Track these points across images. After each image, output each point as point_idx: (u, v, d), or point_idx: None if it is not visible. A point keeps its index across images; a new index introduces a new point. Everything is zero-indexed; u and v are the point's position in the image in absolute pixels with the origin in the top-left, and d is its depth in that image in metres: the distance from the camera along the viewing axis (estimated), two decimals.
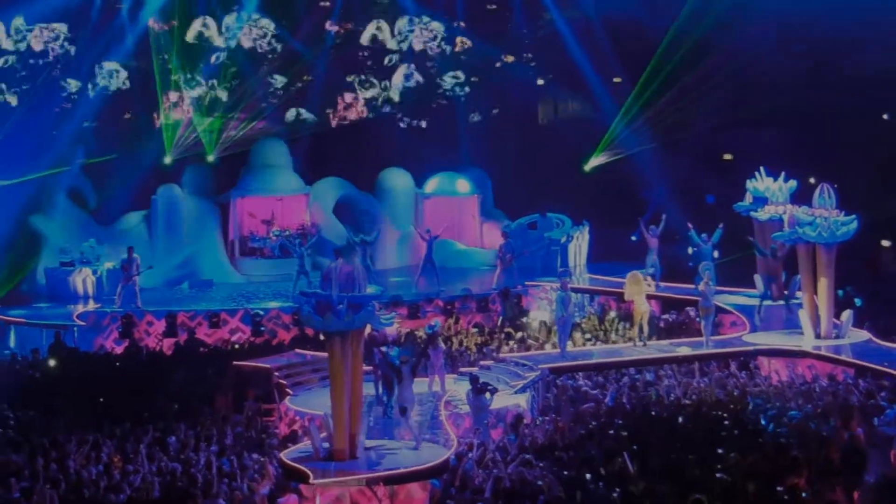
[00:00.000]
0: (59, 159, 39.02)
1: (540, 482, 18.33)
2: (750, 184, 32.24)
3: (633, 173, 41.45)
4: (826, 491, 17.62)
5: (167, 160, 42.13)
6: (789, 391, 24.02)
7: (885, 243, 40.10)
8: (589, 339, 30.43)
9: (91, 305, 34.90)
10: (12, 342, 33.30)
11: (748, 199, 32.32)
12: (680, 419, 21.69)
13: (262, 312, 33.20)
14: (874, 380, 24.52)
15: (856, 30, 37.19)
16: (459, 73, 45.49)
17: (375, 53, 45.34)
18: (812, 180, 31.09)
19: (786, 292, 30.54)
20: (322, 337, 22.95)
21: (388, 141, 43.73)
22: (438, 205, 41.78)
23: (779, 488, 17.30)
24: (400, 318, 31.11)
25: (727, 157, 44.48)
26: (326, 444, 19.55)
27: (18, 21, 41.67)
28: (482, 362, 27.74)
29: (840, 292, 30.22)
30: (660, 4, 41.83)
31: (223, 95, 43.56)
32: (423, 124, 45.96)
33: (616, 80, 44.16)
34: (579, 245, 39.32)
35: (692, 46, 39.93)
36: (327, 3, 45.08)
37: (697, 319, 29.25)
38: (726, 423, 21.10)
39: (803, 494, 17.27)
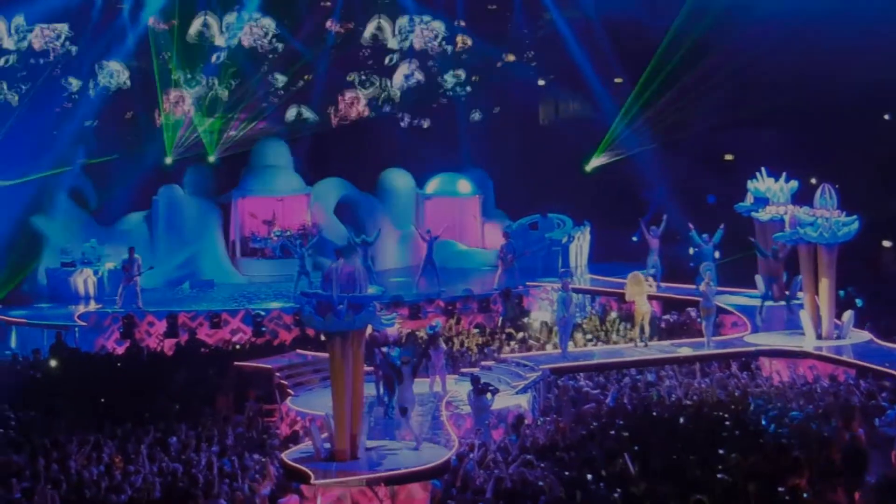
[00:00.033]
0: (60, 159, 39.02)
1: (541, 483, 18.34)
2: (751, 184, 32.24)
3: (633, 174, 41.48)
4: (827, 491, 17.61)
5: (168, 160, 42.17)
6: (790, 392, 24.01)
7: (887, 244, 40.11)
8: (590, 340, 30.43)
9: (92, 306, 34.90)
10: (13, 342, 33.31)
11: (749, 199, 32.31)
12: (681, 420, 21.70)
13: (263, 313, 33.20)
14: (875, 380, 24.51)
15: (857, 33, 37.19)
16: (460, 72, 45.50)
17: (376, 52, 45.33)
18: (813, 181, 31.08)
19: (787, 293, 30.54)
20: (323, 337, 22.96)
21: (389, 141, 43.74)
22: (439, 205, 41.78)
23: (780, 489, 17.30)
24: (401, 318, 31.07)
25: (728, 157, 44.51)
26: (327, 445, 19.55)
27: (19, 20, 41.65)
28: (483, 363, 27.73)
29: (841, 293, 30.20)
30: (660, 4, 41.84)
31: (224, 95, 43.57)
32: (425, 124, 45.94)
33: (617, 80, 44.17)
34: (580, 245, 39.32)
35: (692, 46, 39.95)
36: (328, 3, 45.08)
37: (698, 320, 29.26)
38: (727, 423, 21.10)
39: (804, 495, 17.27)
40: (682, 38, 40.22)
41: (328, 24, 44.74)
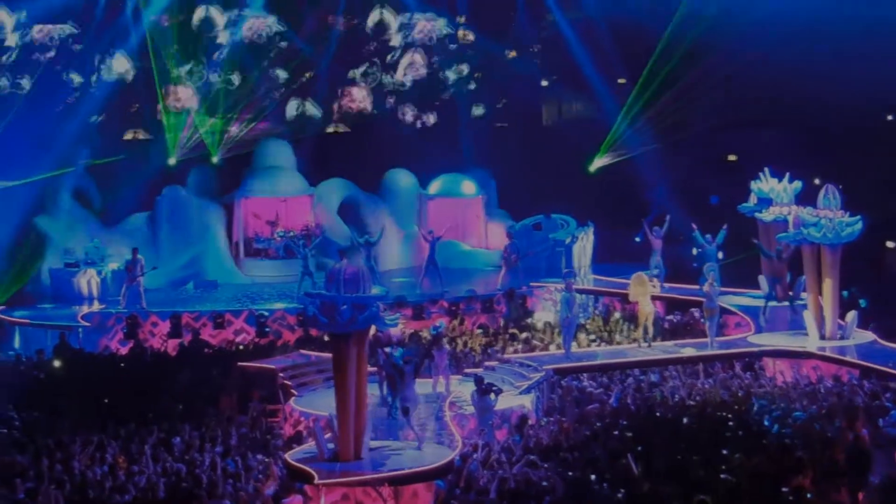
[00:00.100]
0: (64, 159, 39.01)
1: (545, 483, 18.36)
2: (754, 185, 32.20)
3: (637, 174, 41.46)
4: (831, 492, 17.64)
5: (171, 161, 42.19)
6: (794, 392, 24.01)
7: (890, 244, 40.07)
8: (593, 341, 30.43)
9: (96, 306, 34.91)
10: (17, 343, 33.34)
11: (753, 200, 32.28)
12: (685, 420, 21.72)
13: (266, 313, 33.21)
14: (879, 381, 24.54)
15: (859, 33, 37.20)
16: (464, 67, 45.53)
17: (380, 46, 45.38)
18: (817, 181, 31.06)
19: (790, 293, 30.54)
20: (326, 338, 23.01)
21: (392, 142, 43.74)
22: (443, 206, 41.74)
23: (783, 489, 17.32)
24: (404, 319, 31.12)
25: (731, 157, 44.50)
26: (331, 445, 19.55)
27: (22, 16, 41.71)
28: (487, 363, 27.72)
29: (845, 293, 30.18)
30: (661, 4, 41.82)
31: (229, 84, 43.53)
32: (430, 120, 45.92)
33: (620, 80, 44.17)
34: (584, 246, 39.29)
35: (694, 46, 39.92)
36: None
37: (702, 320, 29.23)
38: (731, 424, 21.12)
39: (808, 495, 17.28)
40: (683, 37, 40.19)
41: (330, 19, 44.72)
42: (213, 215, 39.91)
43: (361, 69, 45.38)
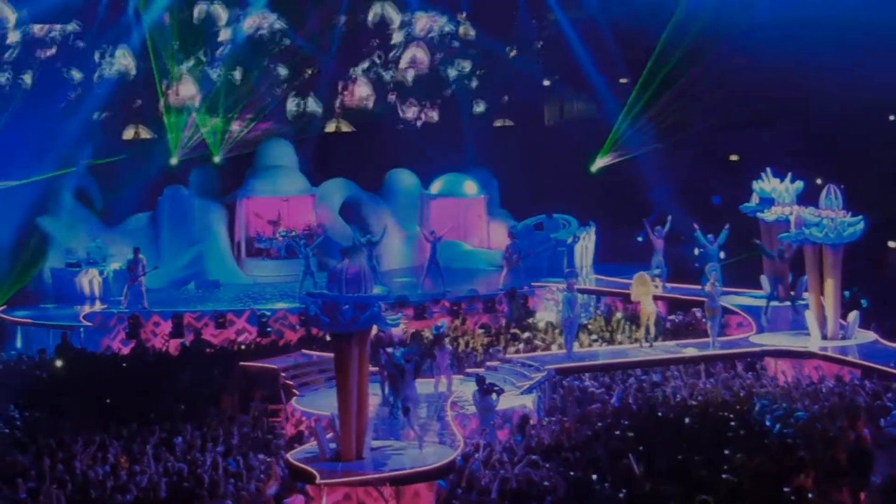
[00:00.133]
0: (66, 158, 39.00)
1: (546, 483, 18.35)
2: (756, 185, 32.21)
3: (638, 174, 41.45)
4: (832, 492, 17.63)
5: (173, 161, 42.19)
6: (796, 392, 23.99)
7: (892, 244, 40.07)
8: (595, 340, 30.43)
9: (97, 306, 34.93)
10: (19, 343, 33.36)
11: (754, 199, 32.29)
12: (686, 420, 21.71)
13: (268, 313, 33.22)
14: (881, 381, 24.53)
15: (862, 33, 37.19)
16: (466, 63, 45.55)
17: (382, 43, 45.40)
18: (819, 181, 31.07)
19: (792, 293, 30.52)
20: (328, 338, 23.01)
21: (394, 142, 43.75)
22: (444, 205, 41.74)
23: (785, 489, 17.32)
24: (406, 318, 31.11)
25: (733, 157, 44.49)
26: (333, 445, 19.56)
27: (24, 13, 41.76)
28: (488, 363, 27.72)
29: (846, 293, 30.17)
30: (662, 4, 41.82)
31: (227, 90, 43.53)
32: (433, 116, 45.91)
33: (622, 80, 44.15)
34: (586, 246, 39.31)
35: (694, 46, 39.89)
36: None
37: (704, 320, 29.21)
38: (733, 424, 21.11)
39: (810, 495, 17.28)
40: (683, 37, 40.18)
41: (333, 17, 44.73)
42: (215, 215, 39.93)
43: (364, 65, 45.38)
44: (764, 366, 27.46)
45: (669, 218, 34.09)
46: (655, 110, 41.98)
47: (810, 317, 28.32)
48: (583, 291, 33.49)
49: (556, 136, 46.15)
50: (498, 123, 47.43)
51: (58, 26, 42.13)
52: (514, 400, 24.48)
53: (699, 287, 29.60)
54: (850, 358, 26.48)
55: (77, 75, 42.11)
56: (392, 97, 45.61)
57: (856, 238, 27.90)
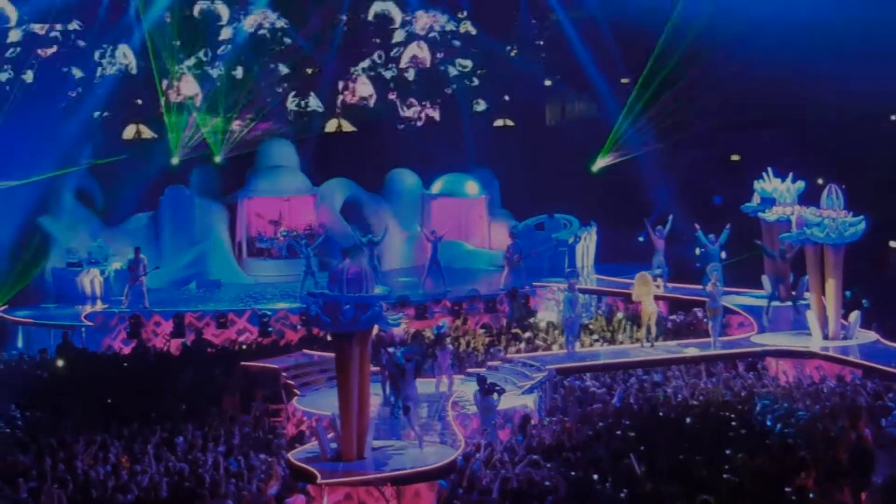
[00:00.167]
0: (67, 158, 38.99)
1: (547, 483, 18.35)
2: (757, 185, 32.21)
3: (639, 174, 41.44)
4: (834, 492, 17.62)
5: (174, 161, 42.17)
6: (797, 392, 23.98)
7: (894, 244, 40.05)
8: (596, 340, 30.42)
9: (99, 306, 34.94)
10: (20, 342, 33.36)
11: (756, 199, 32.29)
12: (687, 420, 21.70)
13: (269, 313, 33.22)
14: (882, 381, 24.53)
15: (864, 32, 37.18)
16: (467, 62, 45.56)
17: (383, 41, 45.40)
18: (820, 181, 31.05)
19: (793, 293, 30.50)
20: (329, 337, 23.00)
21: (395, 142, 43.73)
22: (446, 205, 41.72)
23: (786, 489, 17.31)
24: (407, 318, 31.12)
25: (734, 157, 44.47)
26: (334, 445, 19.56)
27: (25, 11, 41.82)
28: (490, 363, 27.72)
29: (848, 293, 30.16)
30: (662, 3, 41.81)
31: (228, 88, 43.53)
32: (434, 114, 45.91)
33: (623, 80, 44.14)
34: (587, 246, 39.31)
35: (694, 46, 39.87)
36: None
37: (705, 320, 29.20)
38: (734, 423, 21.10)
39: (811, 495, 17.27)
40: (683, 38, 40.16)
41: (334, 17, 44.75)
42: (216, 215, 39.94)
43: (364, 64, 45.39)
44: (765, 366, 27.46)
45: (670, 218, 34.06)
46: (656, 110, 41.96)
47: (811, 317, 28.31)
48: (584, 291, 33.41)
49: (558, 136, 46.14)
50: (499, 123, 47.41)
51: (59, 26, 42.14)
52: (516, 400, 24.48)
53: (700, 287, 29.57)
54: (851, 358, 26.47)
55: (78, 73, 42.09)
56: (392, 96, 45.59)
57: (857, 238, 27.88)
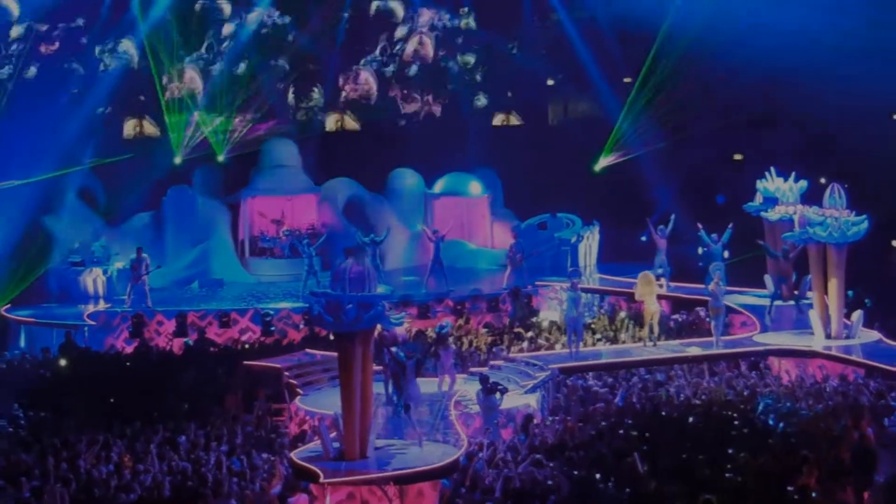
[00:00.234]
0: (70, 157, 38.99)
1: (550, 482, 18.35)
2: (760, 184, 32.21)
3: (642, 173, 41.41)
4: (836, 491, 17.62)
5: (177, 160, 42.16)
6: (799, 391, 24.00)
7: None
8: (599, 340, 30.42)
9: (101, 305, 34.98)
10: (23, 342, 33.40)
11: (758, 199, 32.28)
12: (690, 419, 21.68)
13: (272, 312, 33.27)
14: (884, 380, 24.53)
15: (865, 32, 37.17)
16: (469, 58, 45.58)
17: (385, 36, 45.44)
18: (822, 180, 31.03)
19: (796, 292, 30.51)
20: (332, 337, 23.00)
21: (397, 141, 43.71)
22: (448, 205, 41.70)
23: (789, 488, 17.31)
24: (410, 318, 31.11)
25: (737, 156, 44.43)
26: (337, 444, 19.56)
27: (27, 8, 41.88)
28: (492, 362, 27.73)
29: (850, 292, 30.14)
30: (663, 3, 41.78)
31: (230, 86, 43.52)
32: (437, 111, 45.91)
33: (626, 80, 44.12)
34: (589, 245, 39.29)
35: (698, 45, 39.83)
36: None
37: (708, 320, 29.20)
38: (736, 423, 21.08)
39: (813, 494, 17.26)
40: (682, 38, 40.13)
41: (336, 13, 44.76)
42: (219, 214, 39.98)
43: (367, 59, 45.41)
44: (768, 365, 27.46)
45: (673, 217, 34.03)
46: (657, 110, 41.92)
47: (814, 316, 28.30)
48: (586, 291, 33.43)
49: (560, 136, 46.08)
50: (500, 122, 47.36)
51: (60, 24, 42.18)
52: (518, 399, 24.50)
53: (703, 286, 29.57)
54: (853, 357, 26.46)
55: (80, 70, 42.10)
56: (394, 93, 45.58)
57: (860, 237, 27.87)
